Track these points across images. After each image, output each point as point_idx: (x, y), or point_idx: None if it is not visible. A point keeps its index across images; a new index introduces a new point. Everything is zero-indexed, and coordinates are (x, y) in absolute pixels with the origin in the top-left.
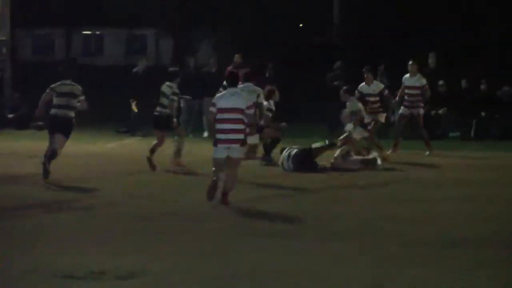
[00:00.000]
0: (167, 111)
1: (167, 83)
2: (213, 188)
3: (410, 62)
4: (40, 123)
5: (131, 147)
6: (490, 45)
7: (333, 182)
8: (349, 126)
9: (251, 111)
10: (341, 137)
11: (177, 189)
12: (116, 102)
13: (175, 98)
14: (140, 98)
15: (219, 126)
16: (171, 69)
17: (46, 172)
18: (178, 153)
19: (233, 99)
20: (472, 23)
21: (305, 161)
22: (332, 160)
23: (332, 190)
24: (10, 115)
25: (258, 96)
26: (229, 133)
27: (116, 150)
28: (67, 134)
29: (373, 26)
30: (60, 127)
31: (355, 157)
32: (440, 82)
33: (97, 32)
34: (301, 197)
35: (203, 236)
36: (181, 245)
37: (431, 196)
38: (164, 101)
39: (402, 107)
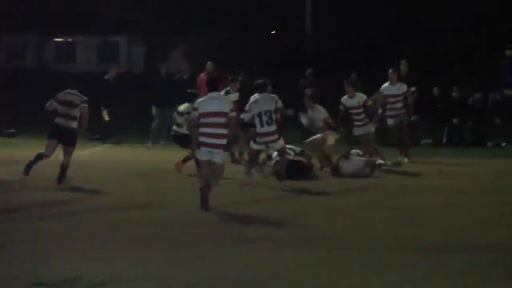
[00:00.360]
0: (182, 130)
1: (186, 104)
2: (206, 196)
3: (390, 71)
4: (11, 130)
5: (104, 154)
6: (461, 52)
7: (315, 189)
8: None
9: (233, 114)
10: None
11: (160, 194)
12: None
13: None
14: (111, 106)
15: (202, 130)
16: (191, 90)
17: (26, 170)
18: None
19: (216, 102)
20: (442, 30)
21: (292, 172)
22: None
23: (314, 197)
24: None
25: (276, 101)
26: (213, 137)
27: (90, 157)
28: (69, 144)
29: (345, 33)
30: (60, 137)
31: (358, 158)
32: (412, 89)
33: (69, 39)
34: (282, 203)
35: (185, 242)
36: (161, 252)
37: (407, 202)
38: (180, 120)
39: (388, 119)
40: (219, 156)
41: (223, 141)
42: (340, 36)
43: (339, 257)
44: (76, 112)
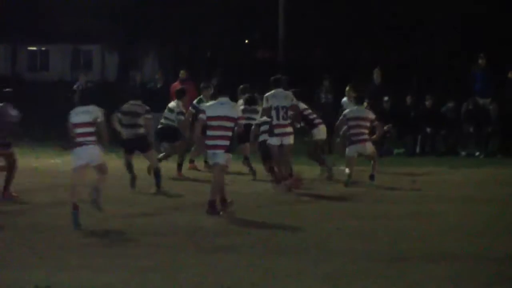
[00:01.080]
0: (174, 124)
1: (176, 100)
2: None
3: (347, 88)
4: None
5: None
6: (433, 61)
7: (289, 197)
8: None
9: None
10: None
11: (131, 202)
12: (61, 117)
13: (182, 117)
14: None
15: (208, 132)
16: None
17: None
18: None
19: (224, 107)
20: (416, 39)
21: None
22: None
23: (287, 205)
24: None
25: (292, 99)
26: (216, 139)
27: (60, 166)
28: (145, 150)
29: (316, 42)
30: (134, 147)
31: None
32: (385, 99)
33: (43, 48)
34: (257, 210)
35: (154, 250)
36: (129, 260)
37: (378, 212)
38: (171, 116)
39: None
40: (220, 156)
41: (226, 142)
42: (314, 43)
43: (308, 266)
44: (141, 121)
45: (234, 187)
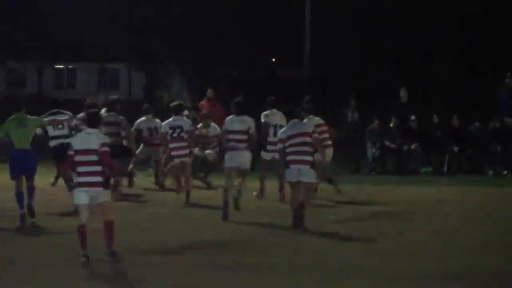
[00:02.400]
0: None
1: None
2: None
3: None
4: None
5: None
6: (461, 80)
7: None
8: None
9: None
10: None
11: (155, 219)
12: None
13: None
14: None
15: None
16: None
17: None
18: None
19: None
20: (443, 58)
21: None
22: None
23: (311, 223)
24: None
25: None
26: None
27: None
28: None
29: (342, 60)
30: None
31: None
32: (412, 117)
33: (70, 66)
34: (274, 228)
35: (177, 266)
36: (156, 275)
37: (401, 230)
38: None
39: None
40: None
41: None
42: (339, 62)
43: (332, 285)
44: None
45: (263, 203)
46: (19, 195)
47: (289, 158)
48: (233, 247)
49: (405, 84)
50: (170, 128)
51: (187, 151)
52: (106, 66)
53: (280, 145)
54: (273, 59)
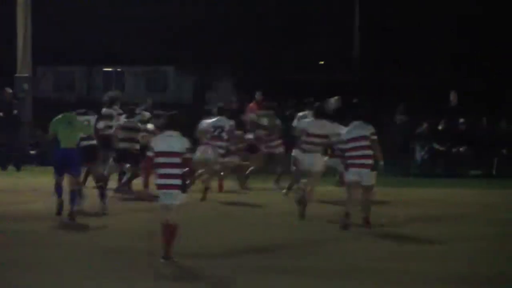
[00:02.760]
0: None
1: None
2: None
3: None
4: None
5: None
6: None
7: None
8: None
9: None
10: None
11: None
12: None
13: None
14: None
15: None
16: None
17: None
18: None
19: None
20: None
21: None
22: None
23: (358, 226)
24: (32, 152)
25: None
26: (359, 158)
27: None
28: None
29: (392, 64)
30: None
31: None
32: (461, 120)
33: (118, 69)
34: (321, 232)
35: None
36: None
37: (451, 234)
38: None
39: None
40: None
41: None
42: (389, 64)
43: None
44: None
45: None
46: (58, 188)
47: (349, 161)
48: (281, 251)
49: (455, 87)
50: (213, 127)
51: (221, 150)
52: (154, 69)
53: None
54: (321, 62)
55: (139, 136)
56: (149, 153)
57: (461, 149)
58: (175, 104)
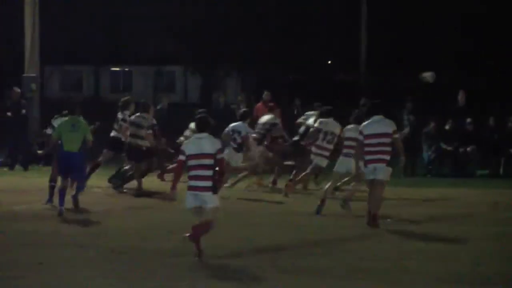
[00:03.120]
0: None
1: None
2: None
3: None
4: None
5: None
6: None
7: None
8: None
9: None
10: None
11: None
12: None
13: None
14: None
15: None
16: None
17: None
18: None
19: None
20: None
21: None
22: None
23: (364, 227)
24: (40, 152)
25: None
26: (376, 154)
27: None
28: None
29: (397, 63)
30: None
31: None
32: (468, 120)
33: (126, 69)
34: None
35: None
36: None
37: (458, 233)
38: None
39: None
40: (382, 172)
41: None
42: (395, 65)
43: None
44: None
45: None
46: (61, 191)
47: (368, 157)
48: (290, 250)
49: (461, 86)
50: (232, 131)
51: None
52: (162, 69)
53: (360, 137)
54: (329, 62)
55: (144, 133)
56: (180, 157)
57: (468, 149)
58: (181, 104)
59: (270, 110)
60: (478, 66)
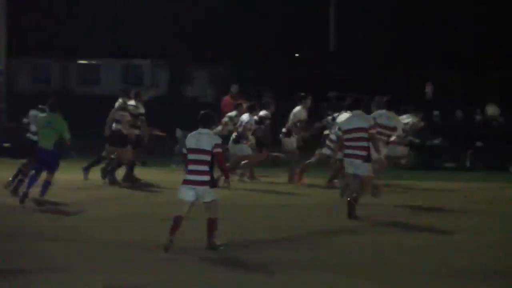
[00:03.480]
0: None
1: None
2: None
3: None
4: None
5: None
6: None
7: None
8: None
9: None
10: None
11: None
12: None
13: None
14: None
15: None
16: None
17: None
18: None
19: (357, 120)
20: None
21: None
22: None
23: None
24: (6, 145)
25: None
26: (353, 149)
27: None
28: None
29: (368, 57)
30: None
31: None
32: (435, 113)
33: (93, 62)
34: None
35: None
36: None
37: (427, 227)
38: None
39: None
40: (360, 168)
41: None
42: (366, 55)
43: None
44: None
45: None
46: (32, 177)
47: (345, 151)
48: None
49: (430, 81)
50: (240, 121)
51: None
52: (130, 62)
53: (339, 132)
54: (297, 55)
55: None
56: (183, 151)
57: (435, 141)
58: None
59: (236, 107)
60: (445, 59)
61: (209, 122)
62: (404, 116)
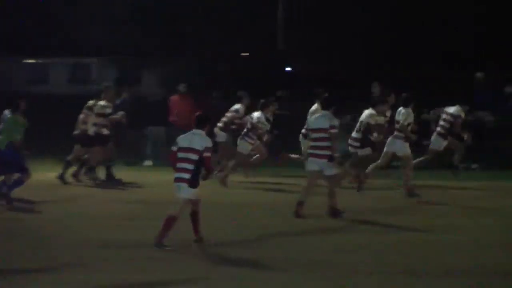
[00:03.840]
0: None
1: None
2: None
3: None
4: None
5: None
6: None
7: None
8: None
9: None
10: None
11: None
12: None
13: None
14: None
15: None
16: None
17: None
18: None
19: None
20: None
21: None
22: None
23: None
24: None
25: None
26: (315, 148)
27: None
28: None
29: (320, 54)
30: None
31: None
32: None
33: (40, 61)
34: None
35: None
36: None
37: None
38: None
39: None
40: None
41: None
42: (314, 54)
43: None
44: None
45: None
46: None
47: (309, 151)
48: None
49: (377, 79)
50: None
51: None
52: (78, 61)
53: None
54: (244, 53)
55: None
56: (173, 148)
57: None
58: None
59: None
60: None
61: (204, 123)
62: (453, 108)
